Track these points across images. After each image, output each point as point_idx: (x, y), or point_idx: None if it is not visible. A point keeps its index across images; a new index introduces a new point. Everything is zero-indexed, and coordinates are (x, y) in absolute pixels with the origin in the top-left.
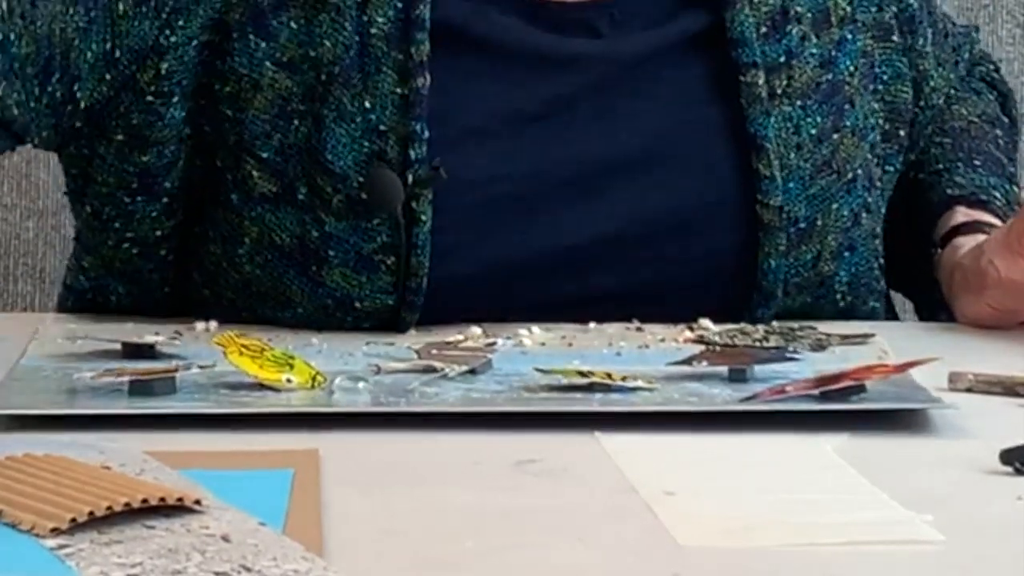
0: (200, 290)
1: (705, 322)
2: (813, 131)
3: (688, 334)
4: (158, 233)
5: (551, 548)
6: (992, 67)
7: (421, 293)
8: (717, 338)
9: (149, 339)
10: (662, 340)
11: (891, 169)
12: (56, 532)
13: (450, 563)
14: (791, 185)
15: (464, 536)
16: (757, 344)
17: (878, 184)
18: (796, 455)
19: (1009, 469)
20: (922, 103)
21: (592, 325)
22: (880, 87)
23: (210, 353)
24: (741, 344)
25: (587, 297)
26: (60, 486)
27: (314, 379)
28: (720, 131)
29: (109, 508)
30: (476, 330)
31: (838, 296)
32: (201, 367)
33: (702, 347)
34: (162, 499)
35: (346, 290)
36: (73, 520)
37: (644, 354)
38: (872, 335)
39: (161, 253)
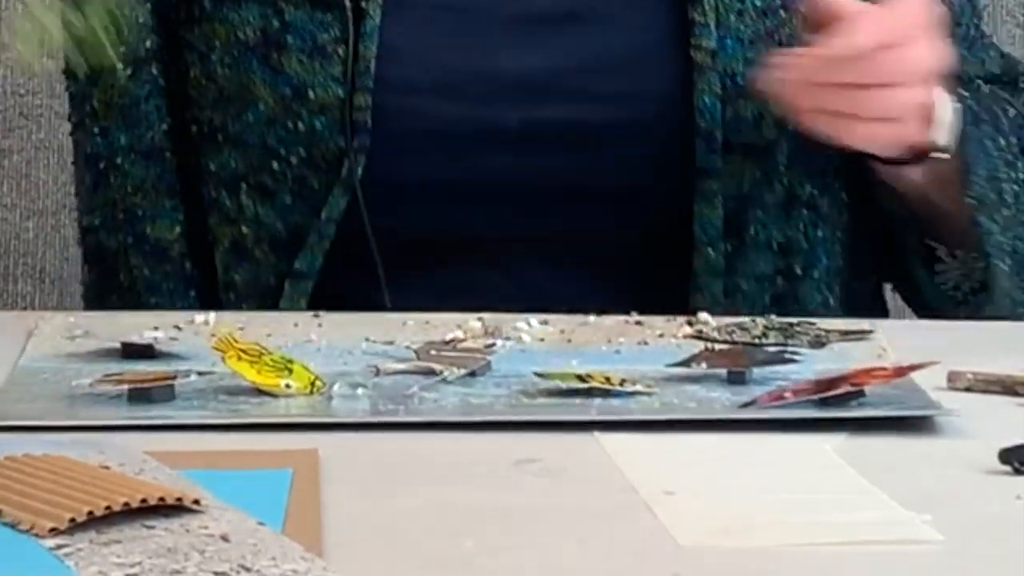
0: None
1: (704, 316)
2: (759, 3)
3: (687, 329)
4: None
5: (551, 548)
6: None
7: (368, 90)
8: (715, 333)
9: (148, 336)
10: (661, 335)
11: None
12: (55, 532)
13: (450, 563)
14: (728, 42)
15: (464, 536)
16: (756, 340)
17: None
18: (796, 455)
19: (1008, 469)
20: None
21: (591, 318)
22: None
23: (209, 355)
24: (739, 340)
25: (529, 131)
26: (59, 486)
27: (313, 384)
28: None
29: (108, 508)
30: (475, 324)
31: (781, 170)
32: (200, 373)
33: (701, 346)
34: (161, 499)
35: (302, 77)
36: (72, 520)
37: (643, 352)
38: (871, 332)
39: (153, 73)
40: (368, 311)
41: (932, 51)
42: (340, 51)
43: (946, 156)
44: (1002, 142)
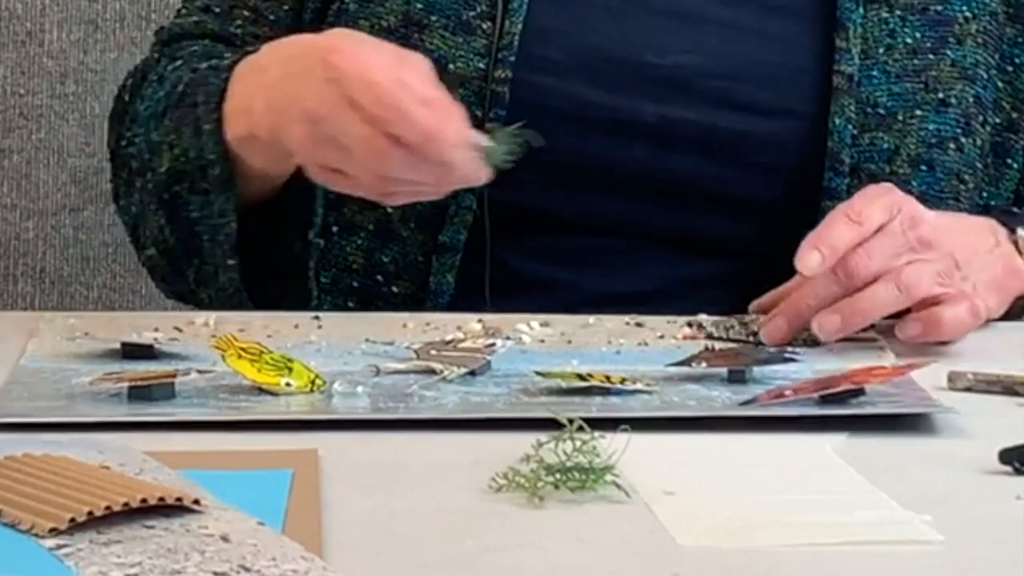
0: None
1: (703, 316)
2: (909, 41)
3: (687, 330)
4: None
5: (551, 548)
6: None
7: (509, 64)
8: (713, 329)
9: (148, 336)
10: (661, 336)
11: (1013, 164)
12: (55, 532)
13: (450, 563)
14: (874, 72)
15: (464, 536)
16: (754, 337)
17: (979, 144)
18: (796, 455)
19: (1008, 469)
20: None
21: (591, 319)
22: (1010, 68)
23: (209, 355)
24: (736, 336)
25: (664, 127)
26: (59, 486)
27: (313, 382)
28: (805, 12)
29: (108, 508)
30: (475, 327)
31: None
32: (200, 371)
33: (701, 346)
34: (161, 499)
35: (443, 51)
36: (72, 520)
37: (644, 352)
38: (871, 329)
39: None
40: (507, 283)
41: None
42: (485, 26)
43: None
44: None
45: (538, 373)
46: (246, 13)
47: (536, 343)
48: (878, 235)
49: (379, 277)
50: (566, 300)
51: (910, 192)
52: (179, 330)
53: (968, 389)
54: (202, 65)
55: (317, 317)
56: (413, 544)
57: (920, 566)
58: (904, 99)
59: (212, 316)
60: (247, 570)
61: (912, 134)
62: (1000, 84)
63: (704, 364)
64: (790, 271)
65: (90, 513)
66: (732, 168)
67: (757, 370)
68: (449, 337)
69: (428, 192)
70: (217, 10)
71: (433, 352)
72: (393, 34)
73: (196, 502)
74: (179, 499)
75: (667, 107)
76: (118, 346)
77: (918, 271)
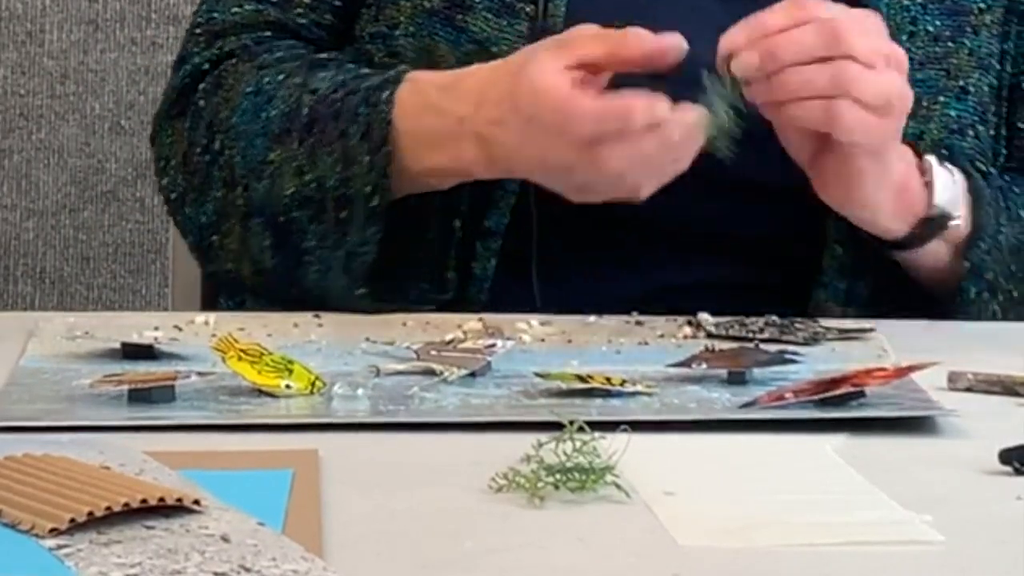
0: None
1: (703, 315)
2: (931, 29)
3: (687, 329)
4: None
5: (551, 548)
6: None
7: None
8: (713, 328)
9: (148, 336)
10: (661, 336)
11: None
12: (55, 532)
13: (450, 563)
14: None
15: (464, 536)
16: (754, 335)
17: (992, 133)
18: (796, 455)
19: (1008, 469)
20: None
21: (592, 318)
22: (1008, 60)
23: (209, 355)
24: (737, 335)
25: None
26: (59, 486)
27: (313, 384)
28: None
29: (108, 508)
30: (476, 325)
31: None
32: (200, 373)
33: (701, 346)
34: (161, 499)
35: (487, 33)
36: (72, 520)
37: (644, 352)
38: (871, 330)
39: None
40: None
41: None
42: (528, 9)
43: (956, 222)
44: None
45: (538, 375)
46: (306, 0)
47: (536, 342)
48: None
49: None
50: (608, 291)
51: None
52: (179, 329)
53: (968, 389)
54: (321, 85)
55: (317, 316)
56: (413, 544)
57: (920, 566)
58: (928, 85)
59: (212, 316)
60: (247, 570)
61: (935, 120)
62: (1006, 74)
63: (704, 365)
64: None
65: (90, 513)
66: (767, 156)
67: (757, 371)
68: (449, 337)
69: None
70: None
71: (433, 352)
72: (436, 15)
73: (196, 502)
74: (179, 499)
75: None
76: (118, 346)
77: (873, 76)
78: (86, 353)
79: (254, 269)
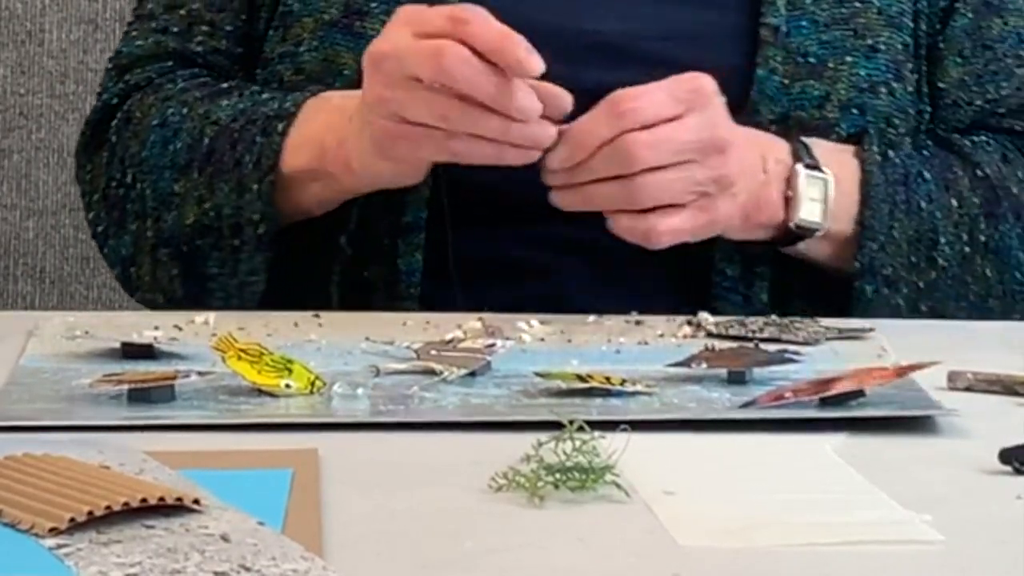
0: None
1: (703, 314)
2: None
3: (687, 329)
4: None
5: (551, 548)
6: None
7: None
8: (713, 328)
9: (148, 335)
10: (661, 335)
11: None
12: (55, 532)
13: (450, 563)
14: (803, 23)
15: (464, 536)
16: (754, 334)
17: (910, 90)
18: (796, 455)
19: (1008, 469)
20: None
21: (591, 318)
22: (923, 19)
23: (209, 355)
24: (737, 334)
25: (603, 92)
26: (59, 486)
27: (313, 384)
28: None
29: (108, 508)
30: (475, 325)
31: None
32: (200, 373)
33: (701, 346)
34: (161, 499)
35: None
36: (72, 520)
37: (644, 352)
38: (871, 330)
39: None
40: (476, 264)
41: (703, 124)
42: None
43: (818, 232)
44: (951, 202)
45: (538, 374)
46: (204, 28)
47: (536, 342)
48: (669, 127)
49: (353, 263)
50: (536, 284)
51: (838, 135)
52: (179, 328)
53: (968, 389)
54: (222, 115)
55: (317, 315)
56: (413, 544)
57: (920, 566)
58: (834, 47)
59: (212, 315)
60: (247, 570)
61: (843, 80)
62: (922, 32)
63: (704, 364)
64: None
65: (90, 513)
66: None
67: (757, 371)
68: (449, 336)
69: (488, 152)
70: (175, 29)
71: (433, 352)
72: (336, 26)
73: (196, 502)
74: (179, 499)
75: (605, 73)
76: (118, 346)
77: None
78: (86, 353)
79: (166, 298)
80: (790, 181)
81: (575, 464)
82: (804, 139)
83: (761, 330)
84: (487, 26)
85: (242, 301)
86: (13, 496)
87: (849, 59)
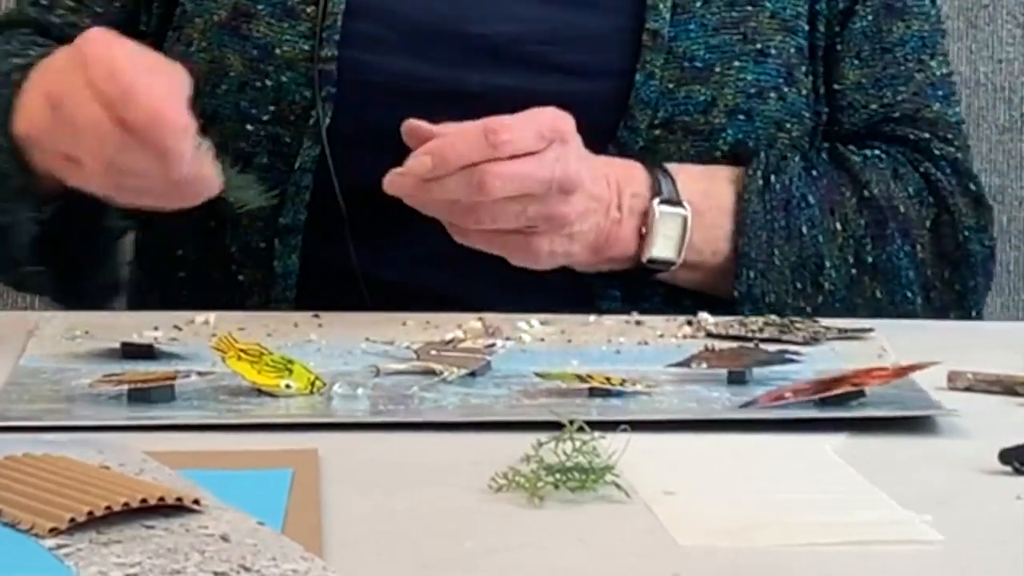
0: None
1: (703, 314)
2: None
3: (687, 329)
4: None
5: (551, 548)
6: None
7: (334, 43)
8: (713, 328)
9: (148, 335)
10: (661, 335)
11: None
12: (55, 532)
13: (450, 563)
14: (691, 27)
15: (464, 536)
16: (754, 334)
17: (804, 94)
18: (796, 455)
19: (1008, 469)
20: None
21: (592, 318)
22: (821, 21)
23: (209, 355)
24: (737, 334)
25: (489, 94)
26: (59, 486)
27: (313, 384)
28: None
29: (108, 508)
30: (476, 325)
31: (718, 156)
32: (200, 373)
33: (701, 346)
34: (161, 499)
35: (270, 38)
36: (72, 520)
37: (644, 352)
38: (870, 330)
39: None
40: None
41: (557, 163)
42: (309, 10)
43: (672, 267)
44: (835, 226)
45: (538, 375)
46: (69, 3)
47: (536, 342)
48: (528, 163)
49: (232, 266)
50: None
51: (723, 140)
52: (179, 328)
53: (968, 389)
54: (4, 67)
55: (317, 315)
56: (413, 544)
57: (920, 566)
58: (722, 51)
59: (212, 315)
60: (247, 570)
61: (730, 85)
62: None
63: (704, 364)
64: None
65: (90, 513)
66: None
67: (757, 371)
68: (449, 336)
69: (156, 189)
70: (45, 2)
71: (433, 352)
72: (224, 28)
73: (196, 502)
74: (179, 499)
75: (490, 75)
76: (118, 346)
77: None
78: (86, 353)
79: None
80: (646, 216)
81: (575, 464)
82: (669, 167)
83: (761, 330)
84: (144, 105)
85: (20, 251)
86: (13, 496)
87: (737, 64)
